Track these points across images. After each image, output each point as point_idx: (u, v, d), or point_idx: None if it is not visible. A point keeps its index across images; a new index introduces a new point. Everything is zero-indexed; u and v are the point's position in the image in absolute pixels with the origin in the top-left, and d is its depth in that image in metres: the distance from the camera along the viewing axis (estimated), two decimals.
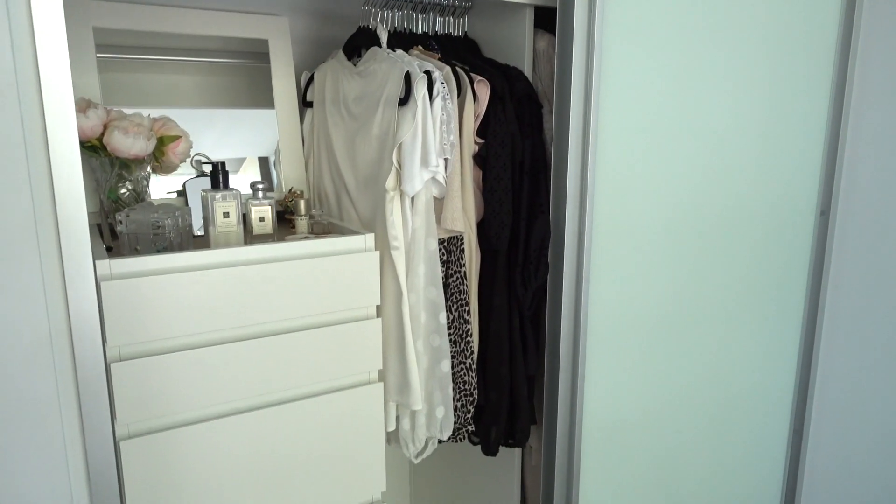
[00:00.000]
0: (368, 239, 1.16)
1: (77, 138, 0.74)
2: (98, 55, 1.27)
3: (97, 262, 0.91)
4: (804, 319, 1.64)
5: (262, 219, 1.20)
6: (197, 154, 1.33)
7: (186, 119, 1.30)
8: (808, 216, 1.57)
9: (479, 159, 1.24)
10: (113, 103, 1.26)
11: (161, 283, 0.97)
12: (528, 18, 1.28)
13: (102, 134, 1.13)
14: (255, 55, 1.42)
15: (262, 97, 1.42)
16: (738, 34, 1.33)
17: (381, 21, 1.32)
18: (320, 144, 1.41)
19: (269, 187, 1.43)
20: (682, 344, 1.45)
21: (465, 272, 1.26)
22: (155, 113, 1.24)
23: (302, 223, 1.26)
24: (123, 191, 1.22)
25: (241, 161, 1.43)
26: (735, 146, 1.40)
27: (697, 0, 1.26)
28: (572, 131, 1.19)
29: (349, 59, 1.35)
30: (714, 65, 1.32)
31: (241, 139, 1.42)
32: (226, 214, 1.14)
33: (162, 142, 1.21)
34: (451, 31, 1.40)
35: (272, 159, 1.44)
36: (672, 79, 1.28)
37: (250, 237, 1.19)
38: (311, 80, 1.43)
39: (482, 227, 1.27)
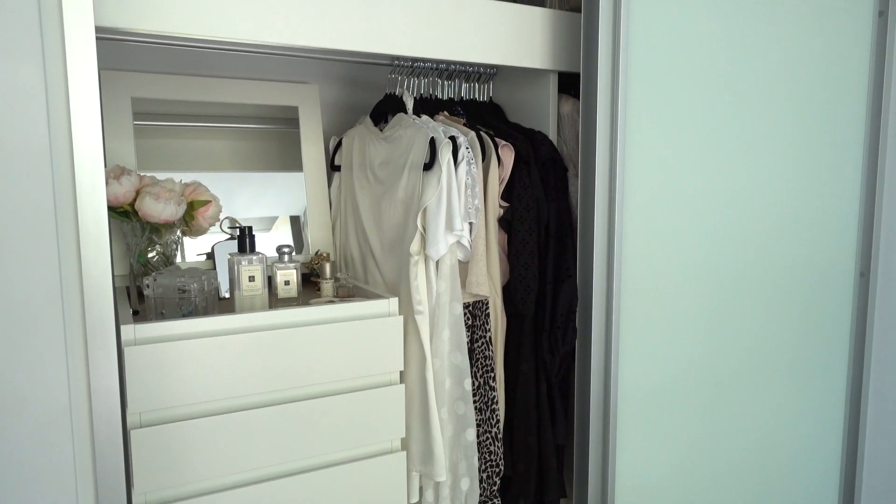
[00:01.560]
0: (392, 303, 1.15)
1: (105, 209, 0.75)
2: (135, 122, 1.32)
3: (122, 326, 0.91)
4: (849, 382, 1.56)
5: (287, 282, 1.20)
6: (226, 217, 1.35)
7: (219, 181, 1.33)
8: (847, 277, 1.51)
9: (505, 223, 1.23)
10: (148, 168, 1.30)
11: (184, 347, 0.97)
12: (553, 84, 1.30)
13: (134, 199, 1.16)
14: (286, 120, 1.46)
15: (291, 160, 1.45)
16: (766, 93, 1.33)
17: (408, 88, 1.35)
18: (347, 208, 1.43)
19: (297, 250, 1.44)
20: (718, 410, 1.39)
21: (490, 337, 1.23)
22: (188, 177, 1.27)
23: (327, 286, 1.26)
24: (153, 254, 1.23)
25: (272, 220, 1.45)
26: (767, 206, 1.37)
27: (723, 61, 1.27)
28: (598, 194, 1.18)
29: (376, 125, 1.37)
30: (742, 125, 1.31)
31: (273, 199, 1.45)
32: (251, 278, 1.14)
33: (192, 206, 1.24)
34: (477, 96, 1.42)
35: (303, 220, 1.46)
36: (699, 140, 1.27)
37: (275, 300, 1.19)
38: (338, 144, 1.46)
39: (508, 292, 1.25)
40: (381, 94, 1.39)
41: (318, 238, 1.45)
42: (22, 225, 0.73)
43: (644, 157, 1.21)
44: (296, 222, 1.47)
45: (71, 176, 0.74)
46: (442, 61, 1.29)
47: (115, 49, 1.32)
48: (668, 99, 1.22)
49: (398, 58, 1.28)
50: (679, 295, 1.29)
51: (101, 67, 1.28)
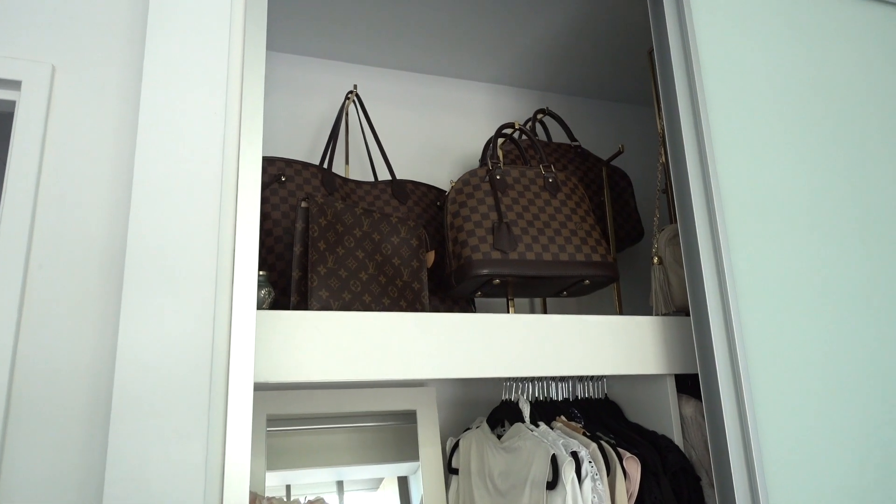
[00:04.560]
0: None
1: None
2: (268, 429, 1.40)
3: None
4: None
5: None
6: None
7: (336, 475, 1.39)
8: None
9: None
10: (272, 467, 1.35)
11: None
12: (670, 386, 1.28)
13: None
14: (402, 415, 1.50)
15: (407, 452, 1.47)
16: None
17: (522, 393, 1.37)
18: None
19: None
20: None
21: None
22: (306, 474, 1.31)
23: None
24: None
25: (379, 480, 1.43)
26: None
27: (840, 355, 1.22)
28: None
29: (493, 430, 1.38)
30: (878, 347, 1.21)
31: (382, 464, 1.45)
32: None
33: None
34: (591, 394, 1.42)
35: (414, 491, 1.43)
36: (847, 440, 1.17)
37: None
38: (455, 446, 1.47)
39: None
40: (495, 389, 1.43)
41: None
42: None
43: (785, 461, 1.12)
44: (403, 483, 1.44)
45: None
46: (555, 377, 1.33)
47: None
48: (797, 393, 1.17)
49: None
50: None
51: None
